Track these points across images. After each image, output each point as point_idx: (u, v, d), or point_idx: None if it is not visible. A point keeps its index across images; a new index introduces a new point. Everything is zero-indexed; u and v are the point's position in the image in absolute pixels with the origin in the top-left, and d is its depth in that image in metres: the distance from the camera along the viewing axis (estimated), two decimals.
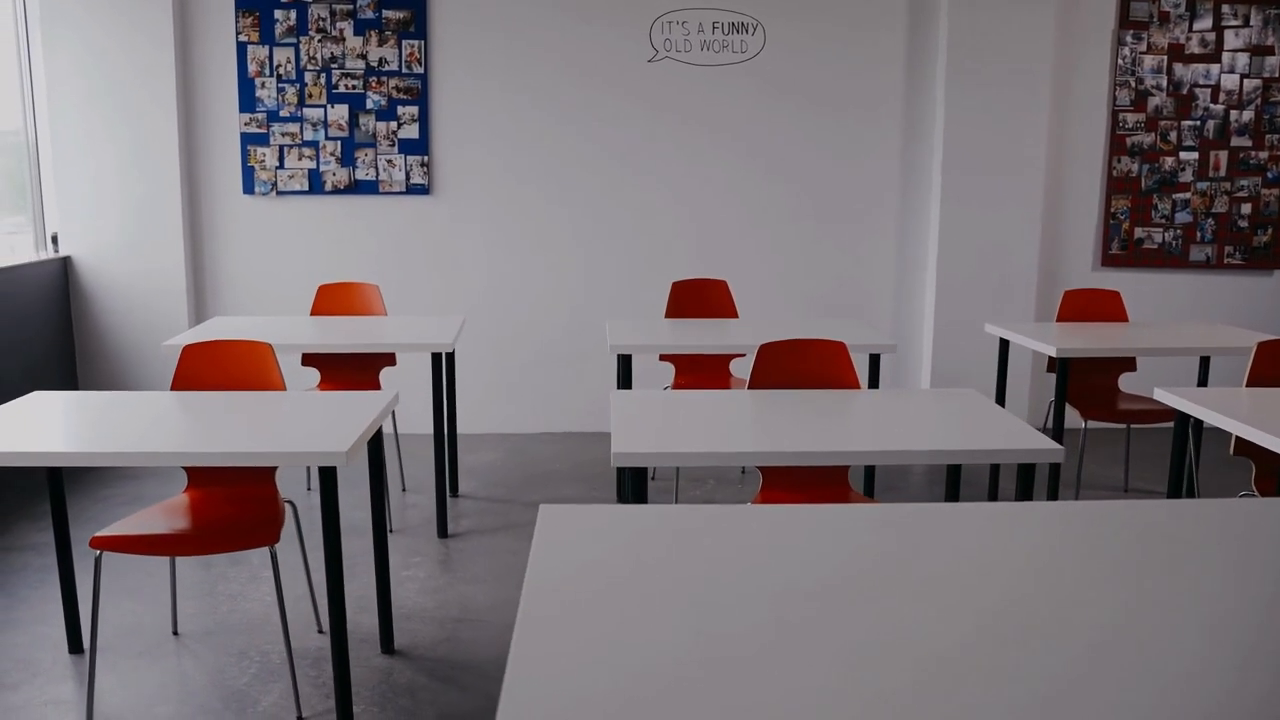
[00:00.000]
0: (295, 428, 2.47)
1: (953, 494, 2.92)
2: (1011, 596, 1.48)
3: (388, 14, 5.09)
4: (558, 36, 5.19)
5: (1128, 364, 4.44)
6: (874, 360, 3.81)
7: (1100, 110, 5.41)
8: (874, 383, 3.83)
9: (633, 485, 2.36)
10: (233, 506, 2.84)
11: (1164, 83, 5.37)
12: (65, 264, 5.12)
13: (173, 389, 2.96)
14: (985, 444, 2.36)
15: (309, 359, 4.39)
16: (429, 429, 5.41)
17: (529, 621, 1.38)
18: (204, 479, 2.98)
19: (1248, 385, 3.20)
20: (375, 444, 2.87)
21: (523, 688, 1.20)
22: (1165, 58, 5.36)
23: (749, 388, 2.99)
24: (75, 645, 2.99)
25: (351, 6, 5.07)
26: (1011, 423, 2.53)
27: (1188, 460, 3.10)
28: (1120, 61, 5.35)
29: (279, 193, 5.20)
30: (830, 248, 5.45)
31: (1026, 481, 2.43)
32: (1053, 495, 3.99)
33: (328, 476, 2.37)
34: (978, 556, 1.64)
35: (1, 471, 4.46)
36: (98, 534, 2.56)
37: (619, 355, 3.80)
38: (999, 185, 5.28)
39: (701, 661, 1.27)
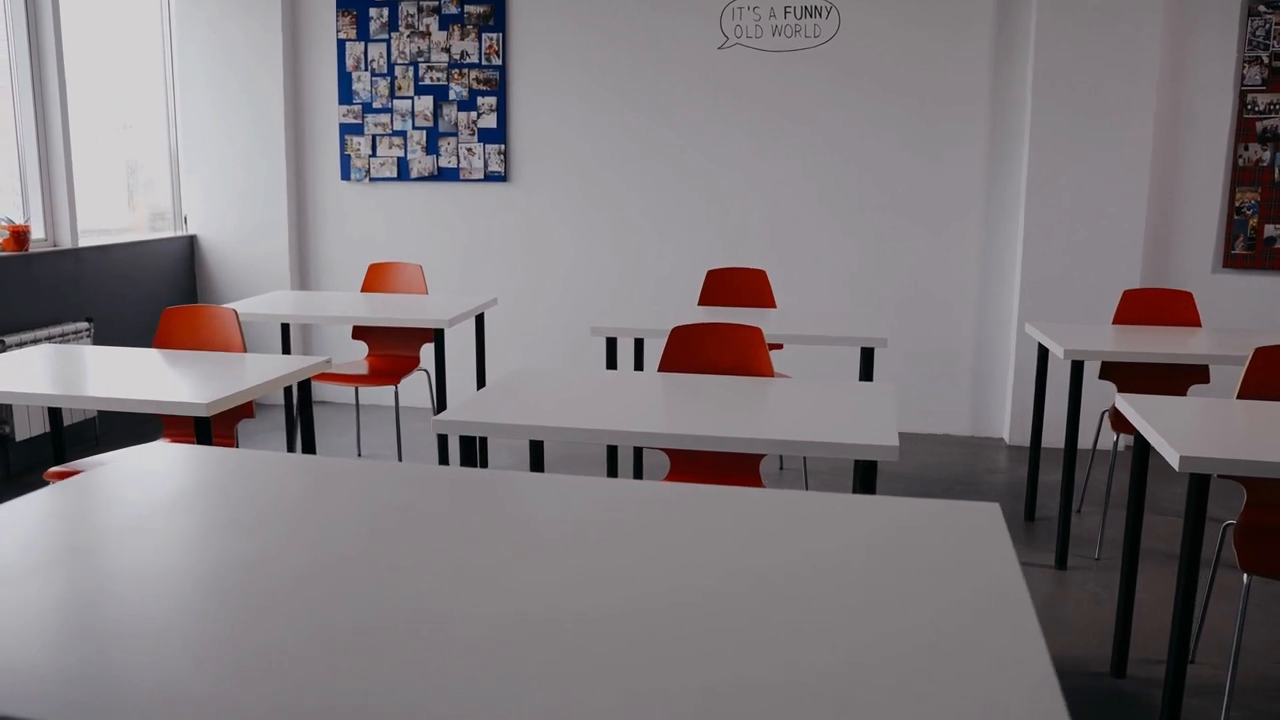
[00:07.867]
0: (194, 383, 2.71)
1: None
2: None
3: (469, 9, 5.34)
4: (629, 25, 5.24)
5: (1199, 374, 3.93)
6: (866, 354, 3.62)
7: (1225, 91, 4.80)
8: (867, 375, 3.63)
9: (464, 452, 2.41)
10: None
11: None
12: (192, 241, 5.75)
13: (154, 346, 3.30)
14: (826, 437, 2.23)
15: (359, 332, 4.71)
16: None
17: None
18: (176, 429, 3.30)
19: (1239, 397, 2.79)
20: (305, 406, 3.07)
21: None
22: None
23: (659, 370, 2.94)
24: None
25: (436, 3, 5.36)
26: (883, 420, 2.36)
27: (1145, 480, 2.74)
28: (1250, 35, 4.72)
29: (371, 179, 5.59)
30: (908, 243, 5.17)
31: (868, 477, 2.26)
32: (1043, 509, 3.61)
33: (201, 426, 2.58)
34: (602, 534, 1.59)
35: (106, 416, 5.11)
36: (51, 469, 2.91)
37: (607, 338, 3.83)
38: (1096, 180, 4.80)
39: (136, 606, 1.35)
